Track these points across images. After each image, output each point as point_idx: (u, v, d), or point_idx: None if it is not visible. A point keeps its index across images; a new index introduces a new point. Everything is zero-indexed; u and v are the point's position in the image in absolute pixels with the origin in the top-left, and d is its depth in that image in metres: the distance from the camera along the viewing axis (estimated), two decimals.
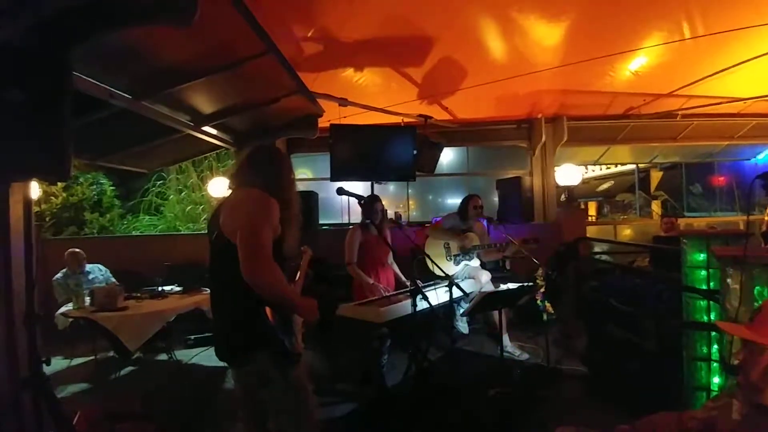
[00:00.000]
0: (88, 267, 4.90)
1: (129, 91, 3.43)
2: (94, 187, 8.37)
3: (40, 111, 1.95)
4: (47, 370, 2.28)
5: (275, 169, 1.99)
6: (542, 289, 4.72)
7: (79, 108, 3.02)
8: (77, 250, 4.87)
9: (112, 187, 8.63)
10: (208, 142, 4.68)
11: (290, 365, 1.85)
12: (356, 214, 6.80)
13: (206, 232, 1.99)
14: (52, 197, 7.67)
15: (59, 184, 6.97)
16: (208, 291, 1.92)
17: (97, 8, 2.17)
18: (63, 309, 4.40)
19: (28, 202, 2.33)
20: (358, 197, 2.94)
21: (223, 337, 1.89)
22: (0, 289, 2.27)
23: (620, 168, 11.56)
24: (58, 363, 4.44)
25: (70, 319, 4.21)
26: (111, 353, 4.49)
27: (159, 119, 3.90)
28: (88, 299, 4.11)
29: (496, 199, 6.99)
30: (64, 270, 4.80)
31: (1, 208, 2.26)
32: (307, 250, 3.07)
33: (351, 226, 4.05)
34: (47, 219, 7.49)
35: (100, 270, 5.00)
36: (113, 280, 4.97)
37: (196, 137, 4.59)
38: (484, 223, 4.78)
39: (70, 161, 2.04)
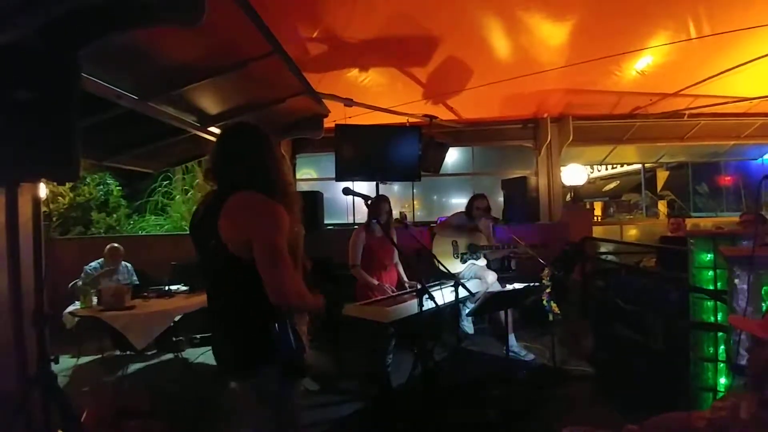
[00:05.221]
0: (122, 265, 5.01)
1: (136, 92, 3.45)
2: (101, 187, 8.40)
3: (49, 112, 1.97)
4: (55, 368, 2.29)
5: (262, 158, 1.73)
6: (548, 289, 4.71)
7: (87, 109, 3.04)
8: (117, 245, 4.95)
9: (118, 187, 8.66)
10: (214, 142, 4.70)
11: (298, 380, 1.78)
12: (361, 214, 6.81)
13: (193, 234, 1.76)
14: (59, 197, 7.70)
15: (67, 184, 7.00)
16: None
17: (106, 9, 2.19)
18: (71, 308, 4.44)
19: (37, 202, 2.35)
20: (365, 197, 2.93)
21: (231, 350, 1.75)
22: (9, 288, 2.30)
23: (626, 168, 11.52)
24: (65, 361, 4.48)
25: (77, 318, 4.25)
26: (118, 352, 4.54)
27: (165, 120, 3.93)
28: (95, 298, 4.14)
29: (501, 199, 6.97)
30: (101, 260, 4.87)
31: (10, 208, 2.29)
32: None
33: (356, 227, 4.04)
34: (54, 219, 7.53)
35: (128, 269, 5.07)
36: (135, 278, 5.03)
37: (202, 138, 4.60)
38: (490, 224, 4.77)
39: (79, 162, 2.06)
